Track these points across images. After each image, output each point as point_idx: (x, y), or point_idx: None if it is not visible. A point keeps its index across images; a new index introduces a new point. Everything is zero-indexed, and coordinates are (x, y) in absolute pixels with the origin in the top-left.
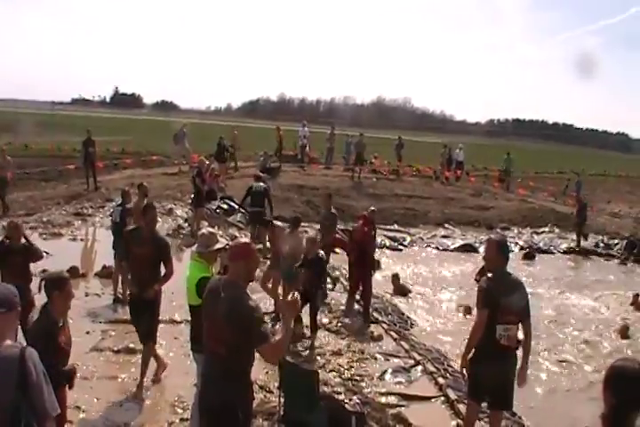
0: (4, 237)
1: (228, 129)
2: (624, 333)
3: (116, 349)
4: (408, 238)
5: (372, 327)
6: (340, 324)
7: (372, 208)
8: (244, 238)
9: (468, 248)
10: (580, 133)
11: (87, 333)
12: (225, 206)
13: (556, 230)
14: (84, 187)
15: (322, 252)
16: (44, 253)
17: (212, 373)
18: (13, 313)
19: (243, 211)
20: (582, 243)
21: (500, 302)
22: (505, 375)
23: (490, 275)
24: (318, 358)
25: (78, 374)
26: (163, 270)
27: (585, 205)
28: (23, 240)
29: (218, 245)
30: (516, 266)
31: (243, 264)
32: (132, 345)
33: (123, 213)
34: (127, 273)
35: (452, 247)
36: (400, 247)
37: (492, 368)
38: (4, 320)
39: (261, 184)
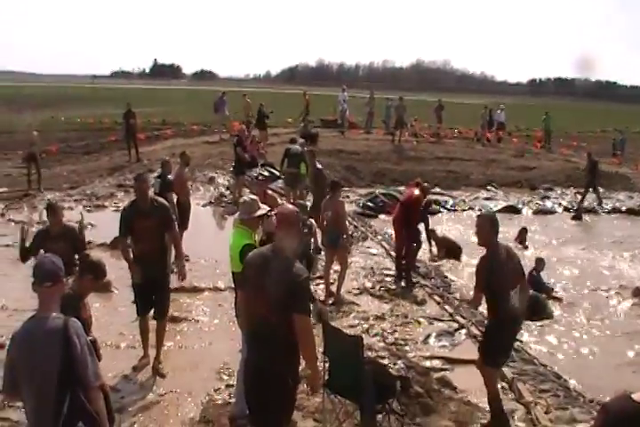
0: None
1: (268, 96)
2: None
3: None
4: (450, 201)
5: (416, 291)
6: (382, 288)
7: (427, 184)
8: (288, 204)
9: (510, 210)
10: (624, 91)
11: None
12: (266, 173)
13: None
14: (126, 159)
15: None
16: (89, 225)
17: (261, 339)
18: (59, 286)
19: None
20: (586, 203)
21: (503, 272)
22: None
23: (486, 252)
24: (362, 322)
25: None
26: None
27: (596, 162)
28: (71, 224)
29: (260, 212)
30: (562, 226)
31: (291, 231)
32: (176, 313)
33: (163, 184)
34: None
35: (494, 209)
36: (442, 210)
37: (513, 335)
38: (50, 293)
39: (297, 146)
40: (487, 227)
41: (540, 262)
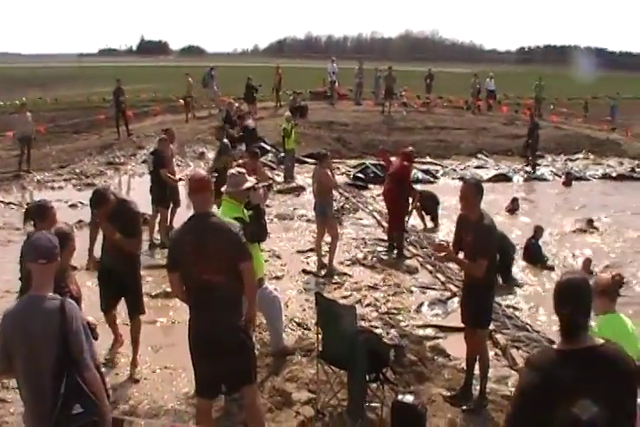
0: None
1: (256, 70)
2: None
3: (153, 294)
4: (441, 171)
5: (408, 261)
6: (374, 258)
7: (411, 148)
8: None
9: (502, 178)
10: (615, 57)
11: None
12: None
13: (591, 156)
14: (115, 137)
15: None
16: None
17: (211, 302)
18: (53, 264)
19: (274, 151)
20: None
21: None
22: None
23: (486, 220)
24: (354, 293)
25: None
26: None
27: (537, 125)
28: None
29: (247, 185)
30: (553, 193)
31: (206, 195)
32: (169, 289)
33: (156, 160)
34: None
35: (485, 178)
36: (432, 180)
37: None
38: (44, 271)
39: (250, 122)
40: (473, 193)
41: (539, 230)
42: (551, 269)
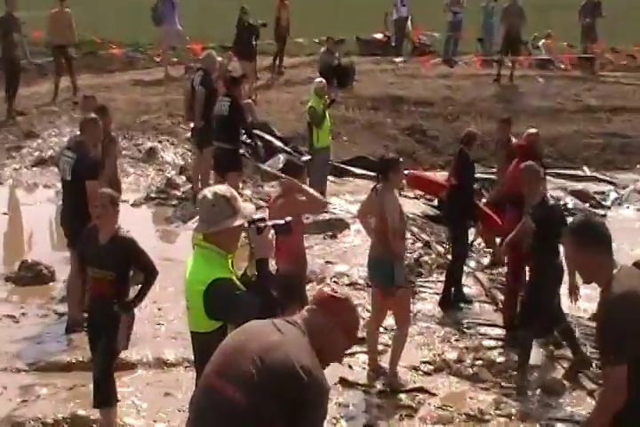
0: None
1: None
2: None
3: (50, 420)
4: (612, 194)
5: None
6: (479, 361)
7: (533, 130)
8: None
9: None
10: None
11: None
12: (259, 143)
13: None
14: None
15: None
16: None
17: (208, 421)
18: None
19: (290, 151)
20: None
21: None
22: None
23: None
24: None
25: None
26: None
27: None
28: None
29: (238, 221)
30: None
31: (327, 320)
32: (81, 412)
33: (81, 164)
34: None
35: None
36: (598, 211)
37: None
38: None
39: (226, 99)
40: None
41: None
42: None
